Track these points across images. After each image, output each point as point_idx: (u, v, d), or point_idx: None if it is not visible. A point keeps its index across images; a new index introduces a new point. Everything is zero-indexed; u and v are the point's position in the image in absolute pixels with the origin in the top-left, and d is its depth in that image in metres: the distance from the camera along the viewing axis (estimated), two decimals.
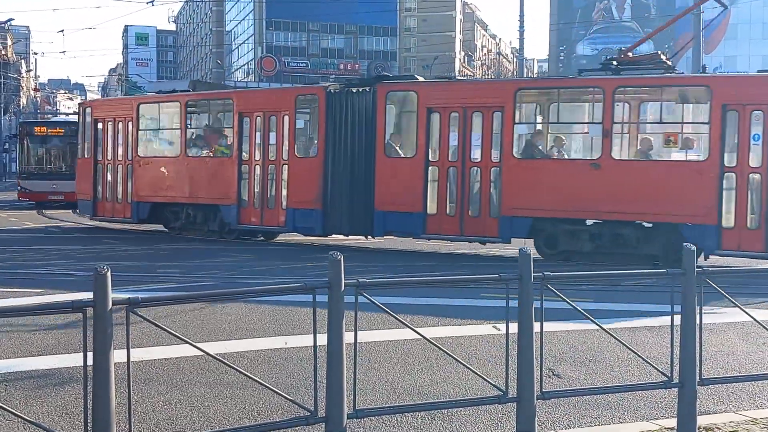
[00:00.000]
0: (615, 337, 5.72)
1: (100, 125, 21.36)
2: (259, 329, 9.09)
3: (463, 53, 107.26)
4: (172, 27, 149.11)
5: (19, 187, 33.07)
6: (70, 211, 28.13)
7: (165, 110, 20.84)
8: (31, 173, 32.38)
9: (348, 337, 4.75)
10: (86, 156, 21.75)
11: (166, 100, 20.94)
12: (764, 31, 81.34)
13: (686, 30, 48.89)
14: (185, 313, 9.57)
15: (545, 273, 5.24)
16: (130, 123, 20.60)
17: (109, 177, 21.10)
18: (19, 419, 4.98)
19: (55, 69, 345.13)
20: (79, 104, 23.27)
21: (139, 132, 20.55)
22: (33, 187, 31.78)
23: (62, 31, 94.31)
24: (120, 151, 20.92)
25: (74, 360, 7.36)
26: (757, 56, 73.52)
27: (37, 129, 33.94)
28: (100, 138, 21.31)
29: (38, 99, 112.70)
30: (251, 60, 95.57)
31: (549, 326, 5.49)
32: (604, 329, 5.66)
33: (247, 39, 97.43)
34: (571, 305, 5.32)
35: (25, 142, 33.14)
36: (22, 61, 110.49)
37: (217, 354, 5.03)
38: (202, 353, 4.80)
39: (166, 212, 20.38)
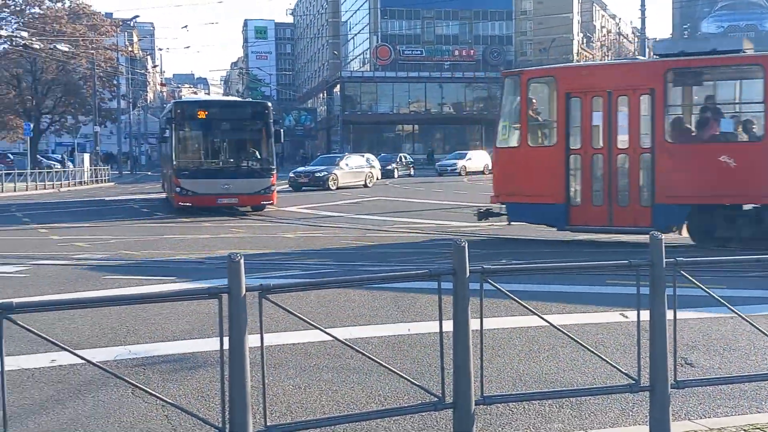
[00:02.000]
0: (753, 325, 5.50)
1: (575, 101, 15.65)
2: (383, 316, 9.18)
3: (581, 35, 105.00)
4: (290, 19, 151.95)
5: (177, 189, 24.34)
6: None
7: (727, 75, 15.84)
8: (195, 170, 24.65)
9: (473, 323, 4.75)
10: (535, 143, 16.33)
11: (732, 62, 15.29)
12: None
13: None
14: (310, 299, 9.76)
15: (677, 258, 5.09)
16: (645, 97, 15.11)
17: (599, 172, 15.44)
18: (159, 401, 5.19)
19: (179, 64, 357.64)
20: (507, 73, 17.63)
21: (669, 108, 15.21)
22: (197, 187, 24.17)
23: (186, 26, 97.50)
24: (623, 138, 15.39)
25: (207, 345, 7.63)
26: None
27: (200, 112, 25.50)
28: (577, 119, 15.69)
29: (164, 94, 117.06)
30: (367, 50, 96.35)
31: (680, 314, 5.33)
32: (742, 317, 5.46)
33: (363, 29, 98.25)
34: (707, 292, 5.16)
35: (184, 129, 25.01)
36: (148, 57, 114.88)
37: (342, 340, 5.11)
38: (329, 339, 4.89)
39: (716, 217, 14.98)
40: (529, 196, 16.08)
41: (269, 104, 26.34)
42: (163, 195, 31.66)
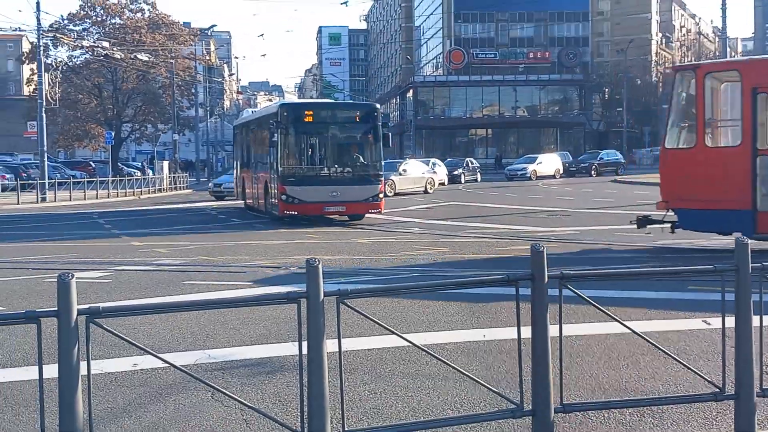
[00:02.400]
0: None
1: (763, 97, 14.14)
2: (458, 321, 9.14)
3: (660, 35, 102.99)
4: (364, 26, 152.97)
5: (283, 196, 22.76)
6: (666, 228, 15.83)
7: None
8: (302, 176, 23.07)
9: (551, 330, 4.69)
10: (713, 144, 15.07)
11: None
12: None
13: None
14: (384, 305, 9.77)
15: (764, 263, 4.94)
16: None
17: None
18: (238, 405, 5.26)
19: (254, 72, 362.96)
20: (679, 67, 16.60)
21: None
22: (304, 195, 22.77)
23: (262, 35, 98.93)
24: None
25: (284, 349, 7.72)
26: None
27: (307, 114, 23.63)
28: (765, 117, 14.20)
29: (240, 101, 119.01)
30: (440, 54, 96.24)
31: (766, 320, 5.17)
32: None
33: (436, 33, 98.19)
34: None
35: (289, 133, 23.18)
36: (225, 65, 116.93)
37: (419, 345, 5.10)
38: (404, 344, 4.89)
39: None
40: (705, 201, 14.61)
41: (378, 106, 25.03)
42: (240, 203, 31.85)
